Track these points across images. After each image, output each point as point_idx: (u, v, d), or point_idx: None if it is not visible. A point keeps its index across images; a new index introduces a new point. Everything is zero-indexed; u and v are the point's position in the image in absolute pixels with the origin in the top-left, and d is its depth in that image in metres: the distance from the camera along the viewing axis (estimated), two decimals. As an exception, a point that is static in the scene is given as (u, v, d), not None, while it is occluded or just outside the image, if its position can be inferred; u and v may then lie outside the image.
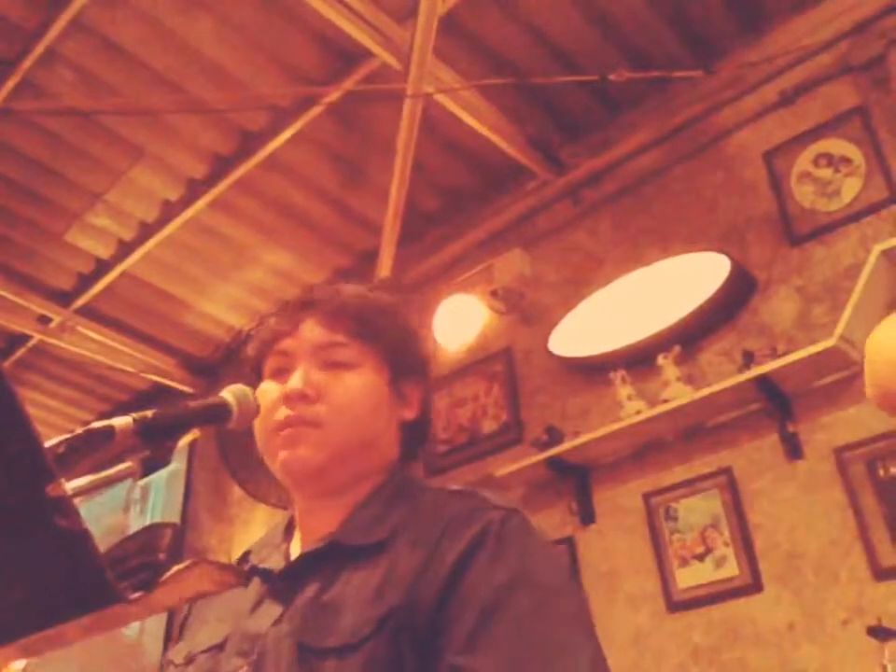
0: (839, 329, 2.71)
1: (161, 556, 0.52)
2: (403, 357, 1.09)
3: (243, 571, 0.75)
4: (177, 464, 5.12)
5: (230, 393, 0.92)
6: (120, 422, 0.75)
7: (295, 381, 1.01)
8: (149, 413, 0.78)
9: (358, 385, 1.03)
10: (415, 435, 1.12)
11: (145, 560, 0.51)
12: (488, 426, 3.79)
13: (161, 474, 5.15)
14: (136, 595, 0.48)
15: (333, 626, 0.87)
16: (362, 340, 1.05)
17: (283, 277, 4.53)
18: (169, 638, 4.45)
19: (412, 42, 3.13)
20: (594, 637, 0.86)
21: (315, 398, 1.00)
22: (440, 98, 3.38)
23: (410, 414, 1.10)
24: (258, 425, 1.03)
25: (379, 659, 0.82)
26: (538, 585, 0.87)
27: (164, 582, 0.50)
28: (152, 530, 0.55)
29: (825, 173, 3.13)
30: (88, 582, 0.47)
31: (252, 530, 4.55)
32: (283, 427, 1.00)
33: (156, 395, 5.23)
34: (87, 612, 0.48)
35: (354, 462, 1.02)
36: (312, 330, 1.05)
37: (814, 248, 3.08)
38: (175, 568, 0.51)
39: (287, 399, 1.01)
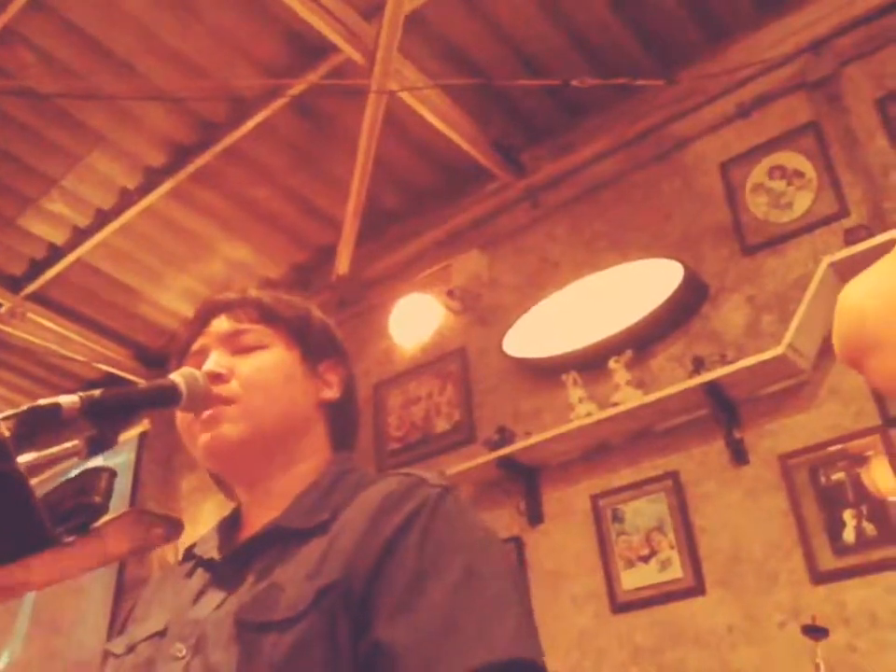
0: (787, 339, 2.77)
1: (97, 499, 0.52)
2: (311, 337, 1.13)
3: (180, 522, 0.76)
4: (126, 456, 5.05)
5: (179, 375, 0.94)
6: (67, 400, 0.75)
7: (208, 364, 1.05)
8: (97, 393, 0.78)
9: (268, 360, 1.07)
10: (342, 417, 1.15)
11: (80, 501, 0.51)
12: (441, 424, 3.80)
13: (109, 465, 5.08)
14: (71, 538, 0.48)
15: (273, 603, 0.88)
16: (266, 324, 1.10)
17: (240, 270, 4.50)
18: (112, 629, 4.39)
19: (377, 38, 3.14)
20: (520, 604, 0.87)
21: (227, 376, 1.04)
22: (403, 96, 3.39)
23: (331, 394, 1.13)
24: (180, 422, 1.06)
25: (314, 632, 0.83)
26: (466, 556, 0.88)
27: (101, 529, 0.50)
28: (88, 474, 0.55)
29: (779, 185, 3.19)
30: (23, 525, 0.47)
31: (200, 523, 4.50)
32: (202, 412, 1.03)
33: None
34: (23, 555, 0.48)
35: (277, 440, 1.05)
36: (219, 324, 1.10)
37: (765, 258, 3.14)
38: (111, 515, 0.51)
39: None
